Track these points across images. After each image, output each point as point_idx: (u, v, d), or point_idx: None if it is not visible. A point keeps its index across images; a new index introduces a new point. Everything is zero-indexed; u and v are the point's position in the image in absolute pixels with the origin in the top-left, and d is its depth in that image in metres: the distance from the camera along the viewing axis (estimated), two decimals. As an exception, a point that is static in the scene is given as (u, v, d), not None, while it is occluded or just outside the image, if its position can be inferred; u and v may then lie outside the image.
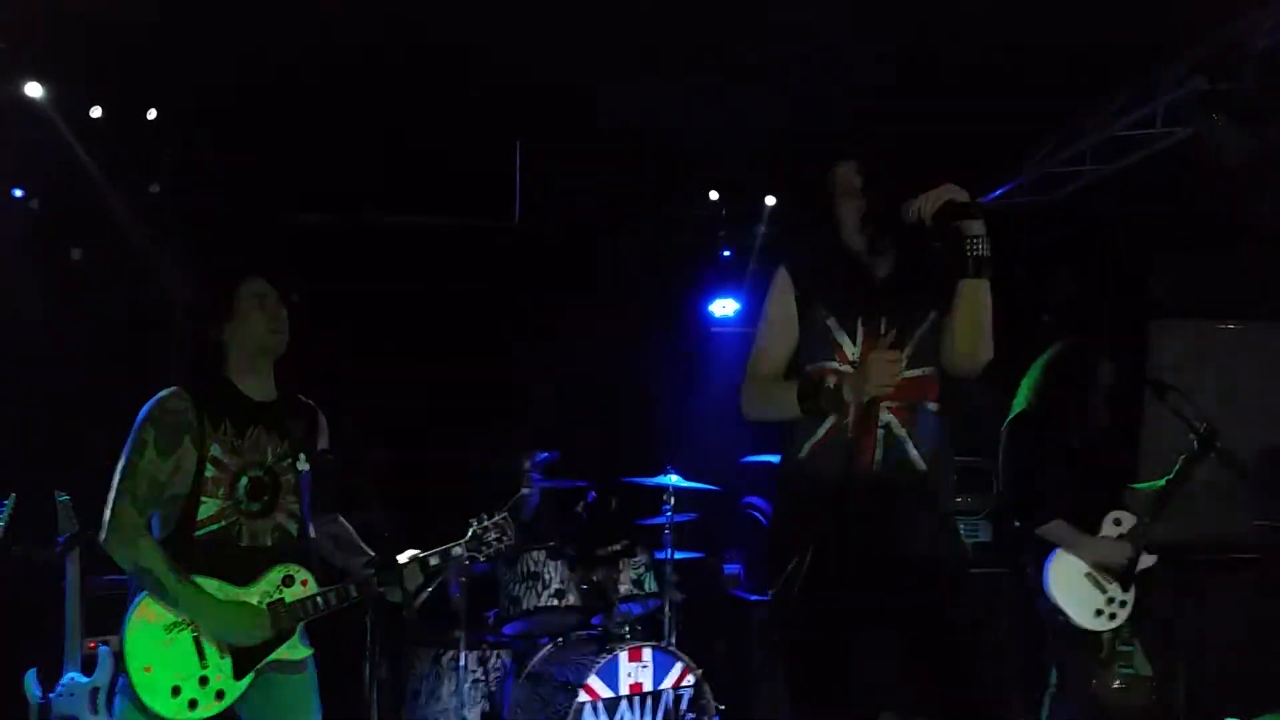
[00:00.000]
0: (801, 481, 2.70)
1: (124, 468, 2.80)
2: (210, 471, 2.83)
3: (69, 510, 4.08)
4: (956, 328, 2.62)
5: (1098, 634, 3.97)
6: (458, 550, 3.16)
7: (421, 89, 4.81)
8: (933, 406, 2.71)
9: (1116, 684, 4.11)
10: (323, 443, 3.12)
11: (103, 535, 2.80)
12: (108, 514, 2.79)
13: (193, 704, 2.75)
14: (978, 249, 2.55)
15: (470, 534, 3.22)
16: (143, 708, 2.72)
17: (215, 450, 2.84)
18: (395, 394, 5.45)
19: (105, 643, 4.09)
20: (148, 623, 2.76)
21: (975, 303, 2.58)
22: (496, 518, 3.26)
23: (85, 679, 3.98)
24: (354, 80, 4.67)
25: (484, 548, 3.22)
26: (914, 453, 2.66)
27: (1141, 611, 4.00)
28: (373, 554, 3.06)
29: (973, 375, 2.69)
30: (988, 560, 5.56)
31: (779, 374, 2.77)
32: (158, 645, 2.75)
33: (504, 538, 3.26)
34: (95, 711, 3.93)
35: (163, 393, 2.87)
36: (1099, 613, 3.94)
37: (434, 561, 3.09)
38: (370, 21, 4.20)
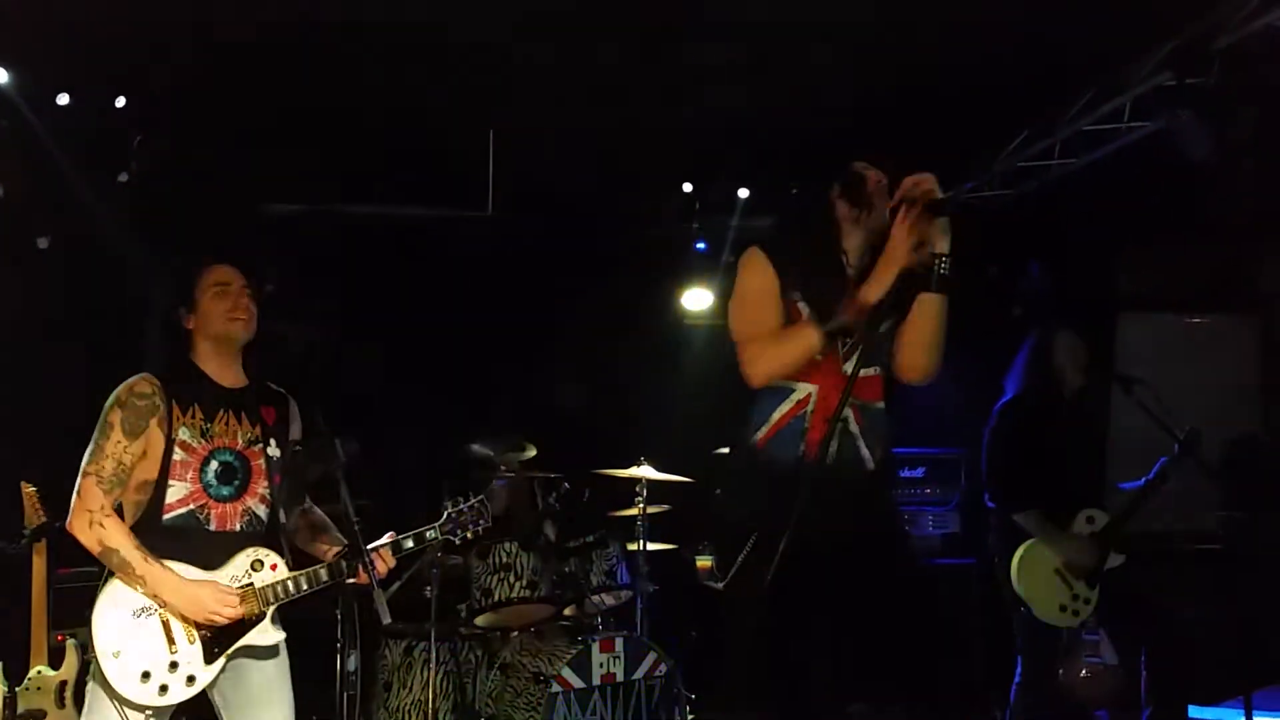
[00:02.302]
0: (754, 468, 2.72)
1: (91, 451, 2.83)
2: (178, 455, 2.85)
3: (35, 501, 4.04)
4: (913, 339, 2.69)
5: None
6: (431, 533, 3.15)
7: (395, 78, 4.79)
8: (881, 406, 2.76)
9: (1083, 673, 4.16)
10: (295, 430, 3.12)
11: (69, 520, 2.81)
12: (74, 496, 2.81)
13: (163, 689, 2.75)
14: (943, 266, 2.61)
15: (445, 516, 3.20)
16: (113, 693, 2.72)
17: (183, 434, 2.86)
18: (368, 384, 5.43)
19: (73, 635, 4.05)
20: (116, 607, 2.77)
21: (934, 317, 2.65)
22: (473, 500, 3.25)
23: (52, 672, 3.95)
24: (327, 69, 4.64)
25: (459, 530, 3.20)
26: (865, 451, 2.71)
27: (1105, 609, 4.03)
28: (347, 541, 3.05)
29: (922, 384, 2.75)
30: (956, 551, 5.63)
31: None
32: (126, 630, 2.76)
33: (481, 520, 3.24)
34: (62, 705, 3.90)
35: (131, 378, 2.89)
36: (1063, 608, 3.98)
37: (408, 544, 3.08)
38: (343, 8, 4.17)
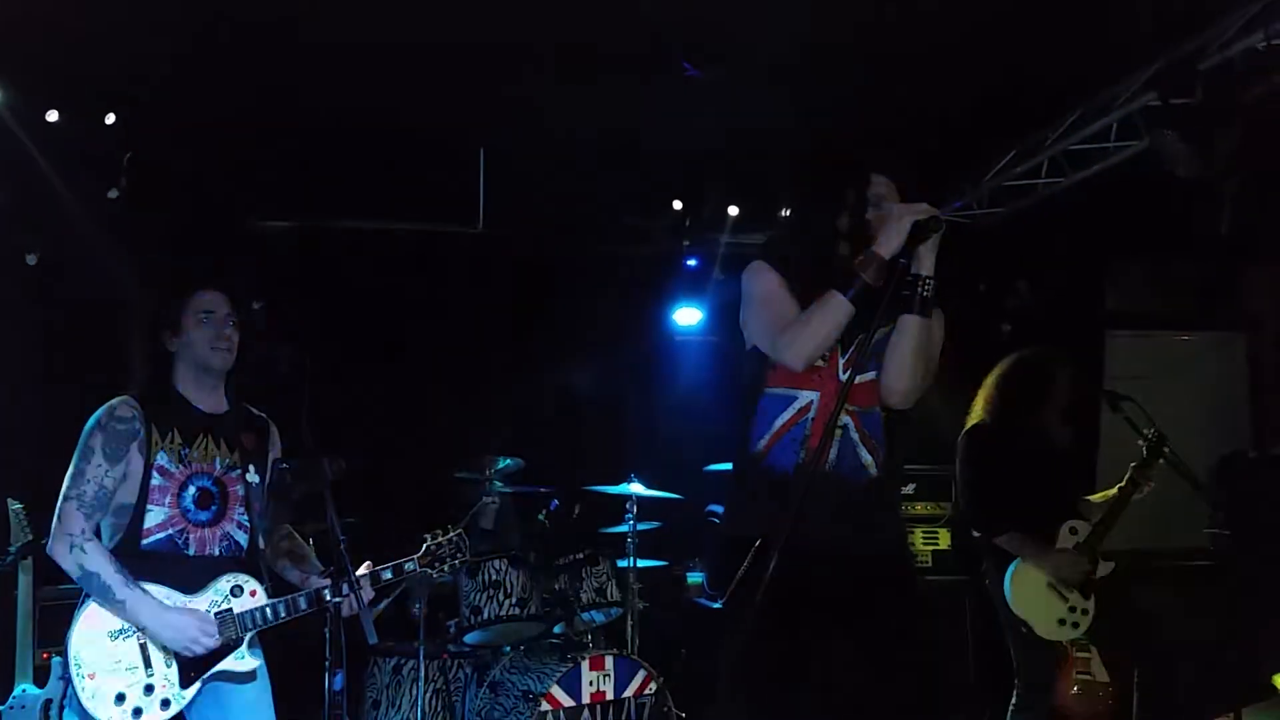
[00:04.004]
0: (756, 476, 2.72)
1: (72, 474, 2.82)
2: (156, 480, 2.85)
3: (21, 519, 4.02)
4: (892, 360, 2.66)
5: (1057, 641, 4.01)
6: (410, 565, 3.14)
7: (385, 95, 4.80)
8: (883, 413, 2.76)
9: (1074, 690, 4.16)
10: (275, 454, 3.12)
11: (49, 541, 2.80)
12: (55, 520, 2.80)
13: (137, 712, 2.73)
14: (926, 290, 2.60)
15: (424, 549, 3.20)
16: (87, 716, 2.70)
17: (161, 459, 2.86)
18: (357, 401, 5.42)
19: (58, 654, 4.02)
20: (93, 629, 2.76)
21: (914, 339, 2.62)
22: (451, 534, 3.24)
23: (37, 690, 3.92)
24: (318, 85, 4.65)
25: (437, 563, 3.19)
26: (867, 457, 2.70)
27: (1103, 618, 4.04)
28: (324, 568, 3.04)
29: (902, 406, 2.73)
30: (947, 568, 5.63)
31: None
32: (102, 652, 2.74)
33: (459, 553, 3.24)
34: (47, 724, 3.87)
35: (112, 401, 2.89)
36: (1062, 622, 3.98)
37: (386, 575, 3.08)
38: (334, 26, 4.19)
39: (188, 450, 2.90)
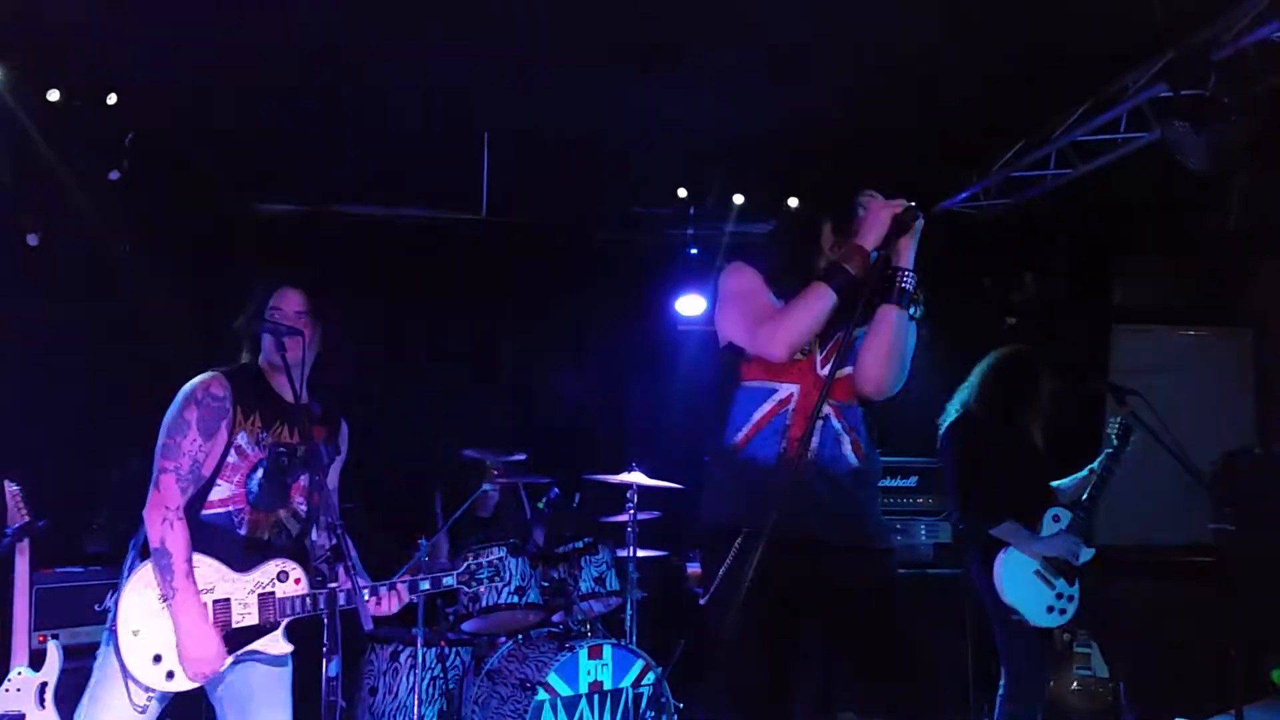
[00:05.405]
0: (736, 468, 2.74)
1: (168, 447, 2.91)
2: (232, 458, 2.95)
3: (19, 501, 4.00)
4: (869, 349, 2.69)
5: (1052, 634, 4.01)
6: (449, 580, 3.33)
7: (389, 79, 4.76)
8: (862, 408, 2.78)
9: (1074, 685, 4.15)
10: (344, 451, 3.26)
11: (146, 509, 2.89)
12: (152, 490, 2.88)
13: (170, 675, 2.85)
14: (905, 281, 2.64)
15: (465, 567, 3.39)
16: (123, 667, 2.82)
17: (241, 439, 2.96)
18: (357, 387, 5.40)
19: (54, 636, 4.02)
20: (146, 588, 2.87)
21: (890, 329, 2.66)
22: (493, 557, 3.51)
23: (33, 673, 3.90)
24: (320, 69, 4.62)
25: (474, 583, 3.39)
26: (848, 447, 2.72)
27: (1087, 605, 4.05)
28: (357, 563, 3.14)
29: (877, 398, 2.74)
30: (948, 561, 5.61)
31: None
32: (151, 612, 2.86)
33: (496, 577, 3.46)
34: (42, 706, 3.85)
35: (204, 376, 2.99)
36: (1050, 609, 3.99)
37: (424, 585, 3.25)
38: (337, 9, 4.15)
39: (265, 434, 3.00)
